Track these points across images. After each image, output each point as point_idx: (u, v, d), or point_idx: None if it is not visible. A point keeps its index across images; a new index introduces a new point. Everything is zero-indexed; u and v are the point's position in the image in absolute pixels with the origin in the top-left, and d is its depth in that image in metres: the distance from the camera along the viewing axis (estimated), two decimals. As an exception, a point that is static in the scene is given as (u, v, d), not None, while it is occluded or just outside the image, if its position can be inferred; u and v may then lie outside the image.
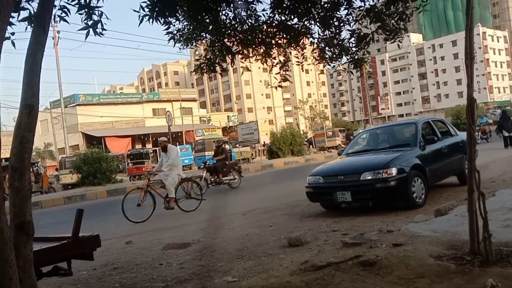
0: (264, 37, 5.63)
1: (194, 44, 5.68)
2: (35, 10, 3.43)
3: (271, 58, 5.86)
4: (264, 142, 39.00)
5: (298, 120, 75.70)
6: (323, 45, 5.73)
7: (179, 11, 4.89)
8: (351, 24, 5.53)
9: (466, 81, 3.72)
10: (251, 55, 5.82)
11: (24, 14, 3.86)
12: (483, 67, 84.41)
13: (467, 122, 3.62)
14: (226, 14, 5.33)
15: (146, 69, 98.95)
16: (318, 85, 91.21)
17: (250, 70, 6.53)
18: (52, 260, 3.62)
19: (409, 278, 3.27)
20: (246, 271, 4.20)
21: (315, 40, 5.72)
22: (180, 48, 5.66)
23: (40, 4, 3.15)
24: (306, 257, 4.25)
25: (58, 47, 32.73)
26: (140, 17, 4.53)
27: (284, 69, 5.92)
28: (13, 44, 4.12)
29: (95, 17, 4.06)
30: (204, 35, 5.57)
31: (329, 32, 5.56)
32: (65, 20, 4.08)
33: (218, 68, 5.71)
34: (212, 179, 13.05)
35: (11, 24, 3.68)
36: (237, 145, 31.79)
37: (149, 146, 44.16)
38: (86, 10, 4.03)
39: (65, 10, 4.03)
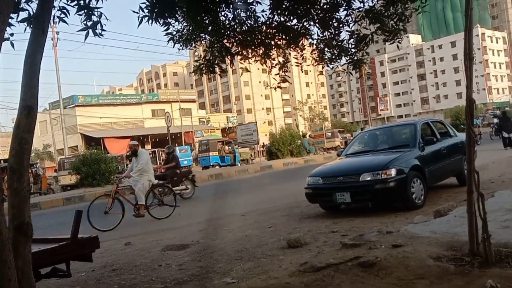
0: (263, 38, 5.63)
1: (193, 45, 5.68)
2: (34, 11, 3.42)
3: (270, 59, 5.86)
4: (263, 143, 39.03)
5: (298, 121, 75.72)
6: (322, 46, 5.72)
7: (178, 12, 4.88)
8: (350, 25, 5.53)
9: (465, 82, 3.73)
10: (250, 56, 5.81)
11: (23, 15, 3.87)
12: (482, 68, 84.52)
13: (466, 123, 3.63)
14: (225, 15, 5.33)
15: (145, 70, 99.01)
16: (317, 86, 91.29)
17: (249, 71, 6.53)
18: (51, 262, 3.62)
19: (409, 279, 3.27)
20: (245, 272, 4.19)
21: (314, 41, 5.71)
22: (179, 49, 5.65)
23: (39, 5, 3.15)
24: (305, 258, 4.25)
25: (57, 48, 32.73)
26: (140, 18, 4.52)
27: (283, 70, 5.92)
28: (12, 45, 4.13)
29: (94, 18, 4.06)
30: (204, 36, 5.57)
31: (328, 33, 5.55)
32: (64, 21, 4.08)
33: (217, 69, 5.71)
34: (160, 190, 10.37)
35: (10, 25, 3.68)
36: (236, 146, 31.80)
37: (148, 147, 44.13)
38: (86, 11, 4.03)
39: (65, 11, 4.03)
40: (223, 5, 5.09)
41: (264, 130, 51.55)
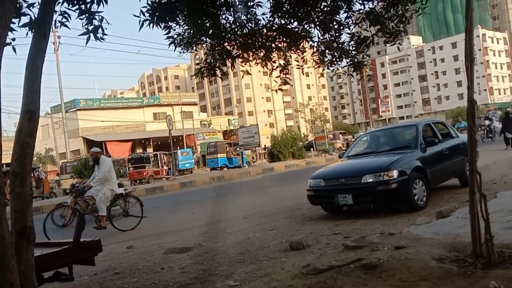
0: (264, 40, 5.64)
1: (194, 48, 5.69)
2: (36, 16, 3.44)
3: (271, 62, 5.87)
4: (265, 145, 39.05)
5: (299, 123, 75.67)
6: (323, 48, 5.74)
7: (179, 16, 4.90)
8: (351, 27, 5.54)
9: (466, 83, 3.72)
10: (251, 58, 5.83)
11: (25, 19, 3.88)
12: (483, 69, 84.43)
13: (468, 123, 3.62)
14: (226, 18, 5.34)
15: (147, 73, 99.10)
16: (318, 88, 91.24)
17: (250, 74, 6.55)
18: (53, 266, 3.62)
19: (411, 281, 3.26)
20: (248, 275, 4.19)
21: (315, 44, 5.73)
22: (180, 52, 5.67)
23: (41, 9, 3.16)
24: (308, 261, 4.24)
25: (59, 52, 32.83)
26: (141, 22, 4.54)
27: (284, 72, 5.93)
28: (14, 49, 4.14)
29: (95, 22, 4.08)
30: (204, 39, 5.58)
31: (329, 36, 5.57)
32: (65, 26, 4.10)
33: (218, 72, 5.72)
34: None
35: (12, 29, 3.70)
36: (237, 149, 31.83)
37: (150, 150, 44.22)
38: (87, 15, 4.04)
39: (66, 15, 4.05)
40: (224, 8, 5.11)
41: (266, 132, 51.55)
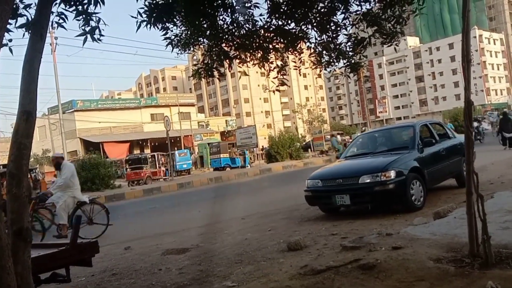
0: (261, 41, 5.65)
1: (192, 49, 5.69)
2: (33, 17, 3.43)
3: (268, 63, 5.88)
4: (262, 146, 39.03)
5: (297, 124, 75.74)
6: (320, 49, 5.74)
7: (177, 17, 4.90)
8: (348, 28, 5.55)
9: (463, 83, 3.74)
10: (248, 59, 5.83)
11: (21, 20, 3.88)
12: (480, 70, 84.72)
13: (465, 124, 3.63)
14: (223, 19, 5.35)
15: (144, 74, 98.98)
16: (316, 89, 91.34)
17: (247, 75, 6.55)
18: (50, 267, 3.61)
19: (409, 281, 3.27)
20: (246, 275, 4.19)
21: (312, 45, 5.73)
22: (178, 53, 5.66)
23: (38, 10, 3.15)
24: (305, 261, 4.24)
25: (56, 53, 32.75)
26: (138, 23, 4.54)
27: (281, 73, 5.93)
28: (11, 50, 4.13)
29: (92, 23, 4.08)
30: (202, 40, 5.59)
31: (326, 37, 5.57)
32: (62, 27, 4.10)
33: (216, 73, 5.72)
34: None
35: (8, 30, 3.69)
36: (235, 150, 31.86)
37: (147, 151, 44.09)
38: (84, 16, 4.04)
39: (63, 16, 4.05)
40: (221, 9, 5.12)
41: (263, 133, 51.56)
